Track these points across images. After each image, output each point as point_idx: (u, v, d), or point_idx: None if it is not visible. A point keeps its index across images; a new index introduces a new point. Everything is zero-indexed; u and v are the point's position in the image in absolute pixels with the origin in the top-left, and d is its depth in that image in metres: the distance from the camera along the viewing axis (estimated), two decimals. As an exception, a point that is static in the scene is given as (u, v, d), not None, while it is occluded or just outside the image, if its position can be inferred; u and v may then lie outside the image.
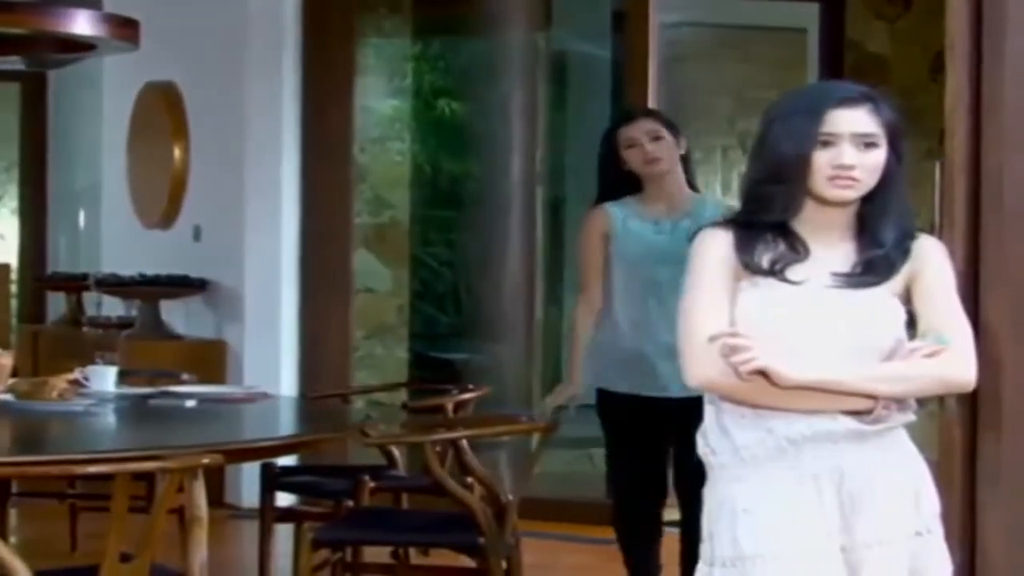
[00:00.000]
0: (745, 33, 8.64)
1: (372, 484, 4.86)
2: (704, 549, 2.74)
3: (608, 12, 8.07)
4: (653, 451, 4.57)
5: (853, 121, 2.68)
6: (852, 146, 2.68)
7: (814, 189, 2.70)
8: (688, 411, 3.45)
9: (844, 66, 8.09)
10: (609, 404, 4.59)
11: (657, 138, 4.53)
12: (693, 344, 2.68)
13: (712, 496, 2.75)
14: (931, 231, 2.94)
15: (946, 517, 2.84)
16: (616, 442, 4.64)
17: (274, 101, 7.20)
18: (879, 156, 2.70)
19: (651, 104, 6.63)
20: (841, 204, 2.72)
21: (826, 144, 2.68)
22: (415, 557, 5.25)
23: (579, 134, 7.92)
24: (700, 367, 2.67)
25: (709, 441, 2.75)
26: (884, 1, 8.21)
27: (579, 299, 4.63)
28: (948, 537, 2.80)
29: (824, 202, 2.72)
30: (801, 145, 2.67)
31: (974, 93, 3.27)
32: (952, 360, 2.66)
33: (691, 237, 2.82)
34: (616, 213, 4.55)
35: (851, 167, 2.67)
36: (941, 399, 3.24)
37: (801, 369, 2.60)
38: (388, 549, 5.05)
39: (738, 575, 2.67)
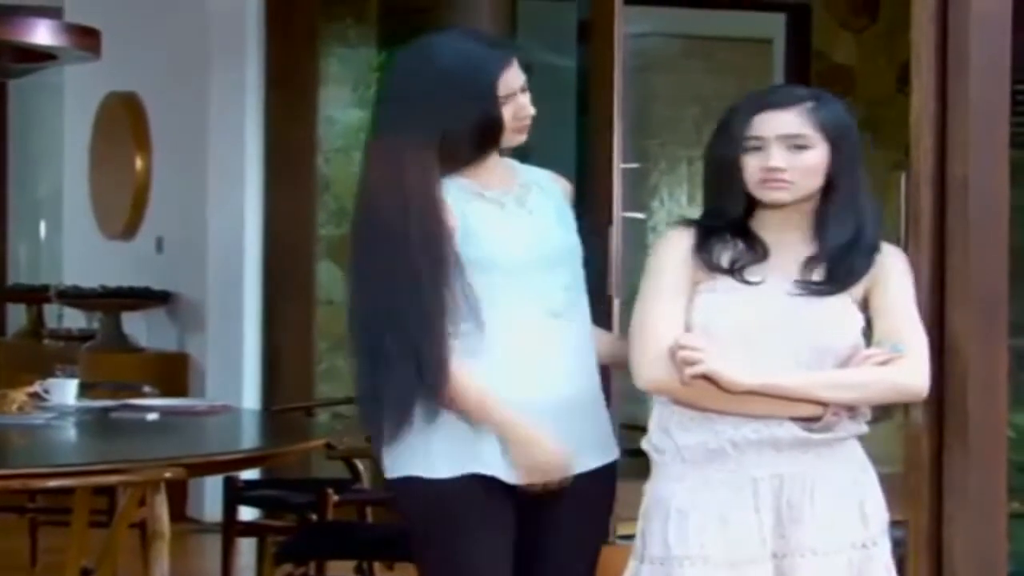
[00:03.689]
0: (711, 43, 8.65)
1: (336, 498, 4.84)
2: (636, 545, 2.74)
3: (574, 22, 8.05)
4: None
5: (779, 123, 2.69)
6: (781, 148, 2.68)
7: (750, 192, 2.72)
8: (588, 494, 2.95)
9: (810, 77, 8.10)
10: (473, 497, 2.80)
11: (526, 89, 2.92)
12: (645, 345, 2.67)
13: (650, 493, 2.76)
14: (897, 242, 2.94)
15: (914, 530, 2.83)
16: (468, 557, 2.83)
17: (237, 111, 7.16)
18: (813, 157, 2.70)
19: (616, 117, 6.57)
20: (777, 206, 2.72)
21: (756, 148, 2.69)
22: (380, 571, 5.22)
23: (544, 145, 7.91)
24: (649, 370, 2.67)
25: (652, 439, 2.75)
26: (850, 12, 8.22)
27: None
28: (916, 550, 2.79)
29: (767, 204, 2.73)
30: (731, 150, 2.71)
31: (939, 104, 3.27)
32: (905, 367, 2.67)
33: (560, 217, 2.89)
34: (449, 191, 2.85)
35: (780, 169, 2.68)
36: (906, 410, 3.23)
37: (748, 373, 2.60)
38: (352, 563, 5.03)
39: (665, 574, 2.67)
